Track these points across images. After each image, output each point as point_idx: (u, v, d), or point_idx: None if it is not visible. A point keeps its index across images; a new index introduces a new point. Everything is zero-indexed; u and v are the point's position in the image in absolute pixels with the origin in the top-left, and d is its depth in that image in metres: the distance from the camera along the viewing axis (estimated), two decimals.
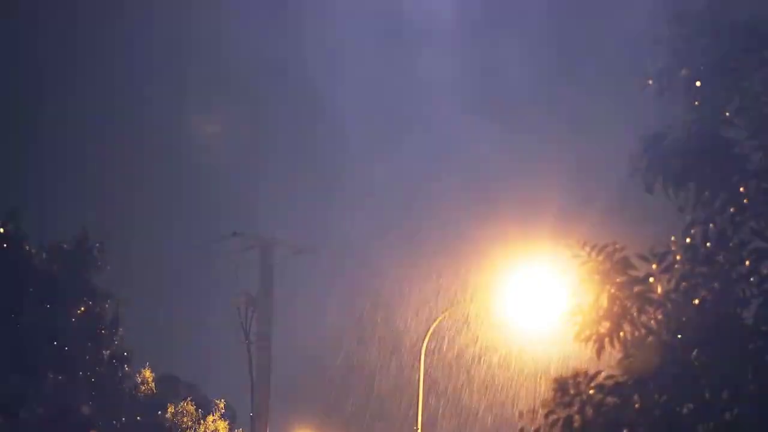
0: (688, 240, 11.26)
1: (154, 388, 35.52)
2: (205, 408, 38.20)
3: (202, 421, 37.00)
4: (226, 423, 38.76)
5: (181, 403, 36.42)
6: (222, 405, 38.73)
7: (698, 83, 11.26)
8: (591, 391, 11.03)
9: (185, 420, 36.25)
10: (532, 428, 11.24)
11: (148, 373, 35.61)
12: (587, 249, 11.04)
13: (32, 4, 51.74)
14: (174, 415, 36.05)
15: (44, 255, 34.34)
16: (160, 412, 35.61)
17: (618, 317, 11.03)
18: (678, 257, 11.13)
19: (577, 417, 11.00)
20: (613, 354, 11.18)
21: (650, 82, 11.45)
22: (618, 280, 11.02)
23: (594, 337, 11.14)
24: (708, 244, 11.22)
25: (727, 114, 11.32)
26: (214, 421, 37.48)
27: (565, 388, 11.13)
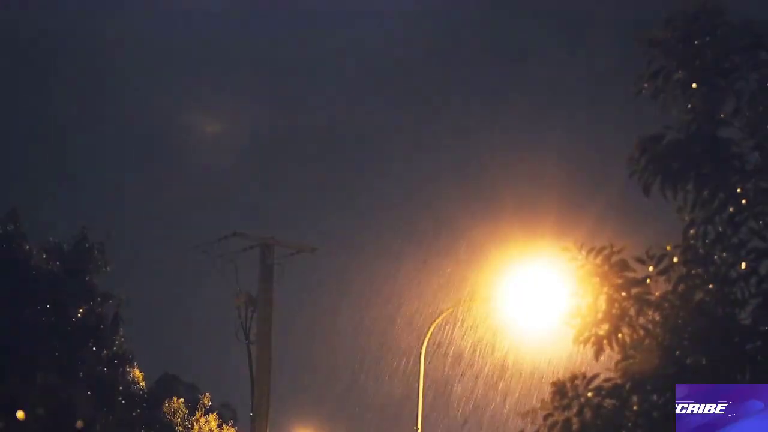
0: (686, 241, 11.24)
1: (144, 387, 35.54)
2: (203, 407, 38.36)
3: (192, 419, 37.08)
4: (216, 415, 38.85)
5: (168, 402, 36.49)
6: (207, 400, 38.83)
7: (694, 85, 11.24)
8: (589, 394, 11.03)
9: (176, 419, 36.30)
10: (531, 431, 11.24)
11: (137, 372, 35.59)
12: (584, 252, 11.04)
13: (31, 3, 51.78)
14: (167, 413, 36.14)
15: (44, 255, 34.32)
16: (158, 409, 35.66)
17: (616, 319, 11.04)
18: (675, 259, 11.11)
19: (575, 419, 10.99)
20: (611, 356, 11.18)
21: (645, 86, 11.44)
22: (616, 282, 11.01)
23: (592, 339, 11.13)
24: (706, 244, 11.19)
25: (723, 115, 11.30)
26: (206, 422, 37.54)
27: (564, 390, 11.13)
